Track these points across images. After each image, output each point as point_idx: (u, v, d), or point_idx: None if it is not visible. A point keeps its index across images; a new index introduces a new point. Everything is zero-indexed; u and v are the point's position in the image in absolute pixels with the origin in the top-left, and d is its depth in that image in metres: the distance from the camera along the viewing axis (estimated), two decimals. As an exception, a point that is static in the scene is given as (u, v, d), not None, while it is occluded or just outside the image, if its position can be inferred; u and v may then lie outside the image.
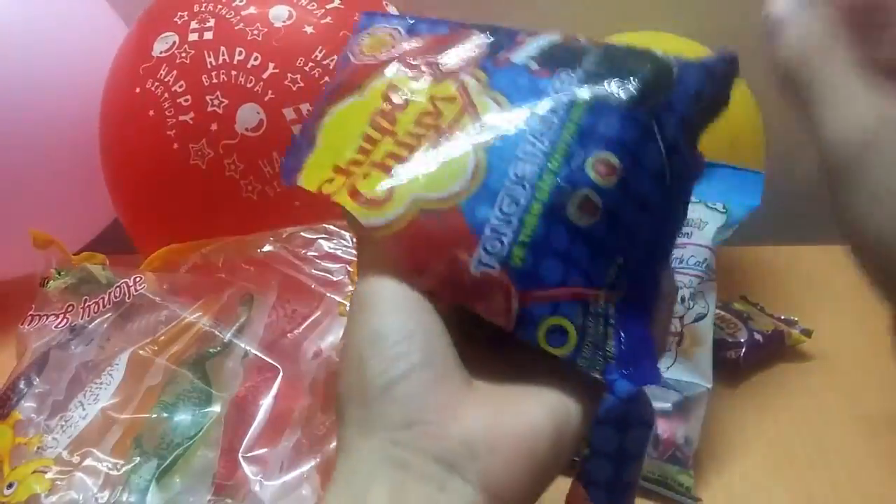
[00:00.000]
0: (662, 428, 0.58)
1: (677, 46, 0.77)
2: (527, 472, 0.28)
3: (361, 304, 0.31)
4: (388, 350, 0.29)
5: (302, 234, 0.61)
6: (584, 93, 0.29)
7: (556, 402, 0.29)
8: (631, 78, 0.29)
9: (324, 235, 0.61)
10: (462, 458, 0.27)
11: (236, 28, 0.63)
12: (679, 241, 0.61)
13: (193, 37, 0.63)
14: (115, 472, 0.49)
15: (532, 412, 0.29)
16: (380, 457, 0.27)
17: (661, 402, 0.58)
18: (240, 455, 0.49)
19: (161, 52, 0.64)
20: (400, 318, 0.30)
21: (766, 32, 0.29)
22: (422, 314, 0.30)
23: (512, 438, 0.28)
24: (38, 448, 0.50)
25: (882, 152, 0.25)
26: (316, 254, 0.60)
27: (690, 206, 0.62)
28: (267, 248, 0.60)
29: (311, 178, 0.32)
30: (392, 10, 0.73)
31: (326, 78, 0.63)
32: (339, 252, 0.60)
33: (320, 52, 0.63)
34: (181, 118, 0.63)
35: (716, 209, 0.65)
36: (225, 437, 0.50)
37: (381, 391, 0.28)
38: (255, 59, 0.62)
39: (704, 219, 0.65)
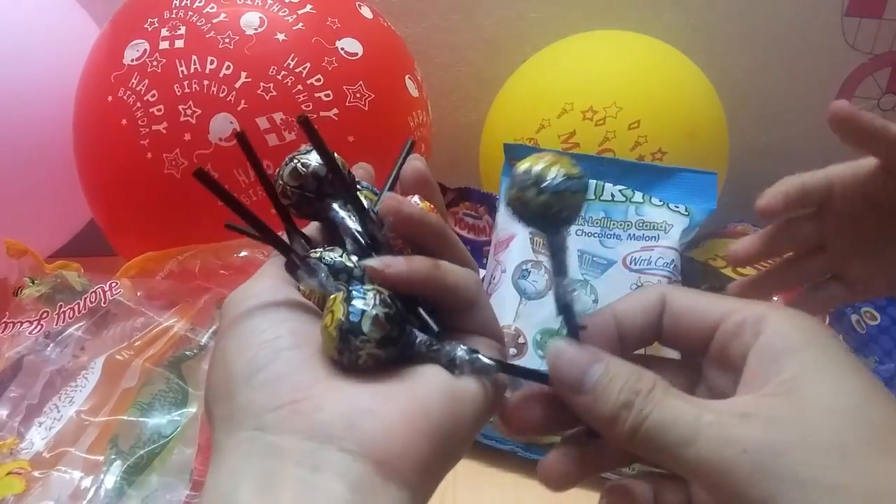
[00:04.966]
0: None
1: (642, 45, 0.79)
2: (420, 436, 0.24)
3: (228, 308, 0.28)
4: (255, 339, 0.26)
5: (279, 239, 0.61)
6: None
7: (446, 375, 0.27)
8: None
9: (300, 240, 0.62)
10: (339, 429, 0.23)
11: (207, 36, 0.63)
12: (647, 244, 0.63)
13: (164, 45, 0.64)
14: (90, 473, 0.48)
15: (422, 378, 0.26)
16: (246, 450, 0.23)
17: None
18: (218, 452, 0.49)
19: (132, 60, 0.64)
20: (269, 309, 0.27)
21: (567, 389, 0.27)
22: (294, 305, 0.28)
23: (399, 402, 0.25)
24: (12, 451, 0.50)
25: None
26: (292, 258, 0.61)
27: (655, 209, 0.64)
28: (244, 252, 0.61)
29: None
30: (365, 11, 0.73)
31: (299, 86, 0.64)
32: (313, 256, 0.61)
33: (293, 59, 0.64)
34: (154, 128, 0.63)
35: (678, 212, 0.66)
36: (202, 434, 0.50)
37: (246, 380, 0.25)
38: (228, 67, 0.63)
39: (669, 221, 0.66)
